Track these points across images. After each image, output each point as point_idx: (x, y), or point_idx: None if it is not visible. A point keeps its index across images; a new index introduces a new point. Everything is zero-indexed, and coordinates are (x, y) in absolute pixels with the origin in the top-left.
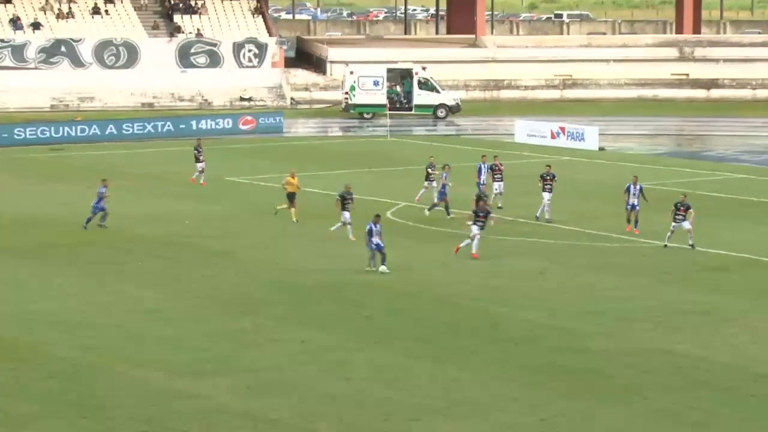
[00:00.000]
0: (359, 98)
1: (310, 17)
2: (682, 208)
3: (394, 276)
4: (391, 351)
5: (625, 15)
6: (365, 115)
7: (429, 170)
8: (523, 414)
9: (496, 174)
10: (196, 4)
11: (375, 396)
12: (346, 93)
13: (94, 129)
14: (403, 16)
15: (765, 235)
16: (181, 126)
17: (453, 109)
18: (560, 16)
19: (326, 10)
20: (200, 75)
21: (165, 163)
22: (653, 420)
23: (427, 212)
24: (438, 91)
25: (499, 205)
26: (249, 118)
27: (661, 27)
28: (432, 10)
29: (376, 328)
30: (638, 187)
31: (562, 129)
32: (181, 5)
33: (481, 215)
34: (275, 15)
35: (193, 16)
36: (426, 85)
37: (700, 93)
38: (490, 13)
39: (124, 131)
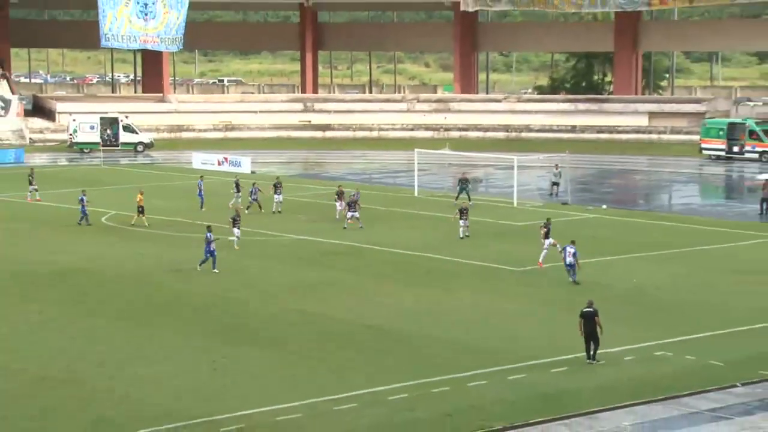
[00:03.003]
0: (80, 138)
1: (42, 81)
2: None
3: (104, 263)
4: (102, 318)
5: (266, 80)
6: (84, 150)
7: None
8: (200, 358)
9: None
10: None
11: (92, 350)
12: (71, 134)
13: None
14: (111, 80)
15: (369, 229)
16: None
17: (148, 146)
18: (222, 80)
19: (54, 75)
20: None
21: None
22: (292, 359)
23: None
24: (137, 133)
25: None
26: None
27: (292, 89)
28: (132, 76)
29: (90, 302)
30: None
31: (226, 158)
32: None
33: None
34: (16, 79)
35: None
36: (128, 128)
37: (318, 134)
38: (173, 78)
39: None
